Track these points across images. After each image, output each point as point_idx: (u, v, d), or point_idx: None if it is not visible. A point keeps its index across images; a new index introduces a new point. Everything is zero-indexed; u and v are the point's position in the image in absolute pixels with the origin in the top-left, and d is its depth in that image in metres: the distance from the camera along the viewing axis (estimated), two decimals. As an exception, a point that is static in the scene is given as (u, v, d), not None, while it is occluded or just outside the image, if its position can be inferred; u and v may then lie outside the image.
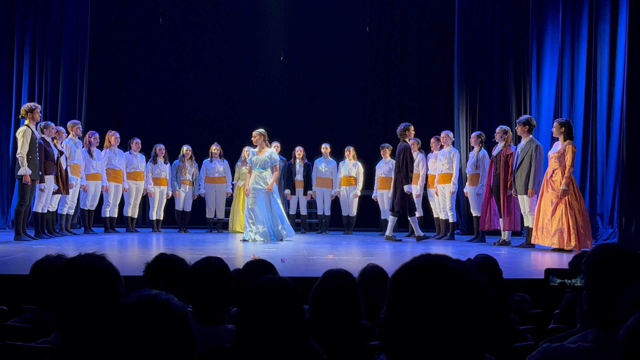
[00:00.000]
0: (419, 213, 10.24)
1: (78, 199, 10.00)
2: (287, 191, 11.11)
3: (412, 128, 9.36)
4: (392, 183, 9.59)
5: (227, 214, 11.22)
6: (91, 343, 1.90)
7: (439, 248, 8.45)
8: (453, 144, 10.36)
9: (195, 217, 11.33)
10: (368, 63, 13.26)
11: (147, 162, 10.82)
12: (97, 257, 2.04)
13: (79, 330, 1.90)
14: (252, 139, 9.21)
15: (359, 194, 11.17)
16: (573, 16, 9.99)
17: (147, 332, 1.34)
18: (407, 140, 9.35)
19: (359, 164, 11.24)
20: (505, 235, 8.90)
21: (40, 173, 8.50)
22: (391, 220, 9.50)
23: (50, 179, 8.79)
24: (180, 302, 1.41)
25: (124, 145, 10.69)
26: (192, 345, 1.40)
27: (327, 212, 11.31)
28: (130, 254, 7.44)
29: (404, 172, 9.18)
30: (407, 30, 13.22)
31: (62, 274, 1.97)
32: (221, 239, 9.51)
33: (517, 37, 11.49)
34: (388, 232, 9.50)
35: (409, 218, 9.60)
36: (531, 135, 8.52)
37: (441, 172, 10.03)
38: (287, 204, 11.22)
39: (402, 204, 9.28)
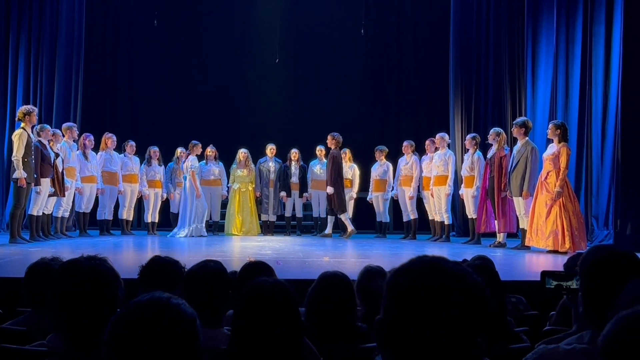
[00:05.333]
0: (413, 215, 10.47)
1: (73, 202, 9.96)
2: (283, 193, 11.10)
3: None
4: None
5: (223, 216, 11.20)
6: (88, 345, 1.89)
7: (434, 250, 8.45)
8: (448, 146, 10.37)
9: (191, 220, 11.28)
10: (363, 65, 13.26)
11: (141, 165, 10.81)
12: (98, 260, 2.04)
13: (76, 332, 1.90)
14: None
15: (354, 196, 11.15)
16: (567, 18, 10.00)
17: (156, 334, 1.33)
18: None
19: (355, 166, 11.23)
20: (500, 237, 8.90)
21: (36, 176, 8.47)
22: None
23: (46, 182, 8.76)
24: (191, 308, 1.41)
25: (119, 148, 10.67)
26: (199, 352, 1.39)
27: (323, 215, 11.28)
28: (125, 256, 7.42)
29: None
30: (402, 32, 13.24)
31: (63, 276, 1.97)
32: (217, 241, 9.49)
33: (512, 39, 11.49)
34: None
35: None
36: (527, 138, 8.53)
37: (437, 174, 10.03)
38: (282, 206, 11.21)
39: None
